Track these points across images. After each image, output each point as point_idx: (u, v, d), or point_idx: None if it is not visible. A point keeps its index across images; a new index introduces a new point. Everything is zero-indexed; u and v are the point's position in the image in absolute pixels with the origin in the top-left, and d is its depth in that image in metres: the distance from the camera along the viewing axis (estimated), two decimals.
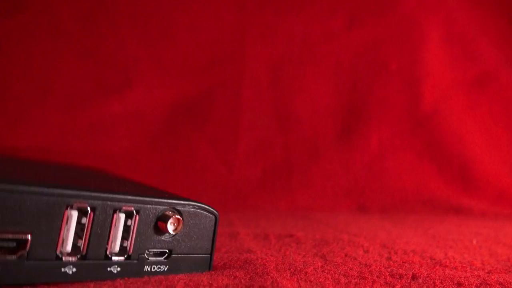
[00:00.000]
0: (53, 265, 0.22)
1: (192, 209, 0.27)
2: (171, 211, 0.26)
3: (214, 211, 0.28)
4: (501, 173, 0.95)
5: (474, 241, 0.44)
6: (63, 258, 0.22)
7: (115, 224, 0.24)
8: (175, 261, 0.26)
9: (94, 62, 0.92)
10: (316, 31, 1.01)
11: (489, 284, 0.26)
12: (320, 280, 0.26)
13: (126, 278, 0.24)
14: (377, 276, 0.27)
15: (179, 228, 0.26)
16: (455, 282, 0.26)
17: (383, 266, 0.30)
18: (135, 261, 0.25)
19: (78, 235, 0.22)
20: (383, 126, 0.97)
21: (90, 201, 0.23)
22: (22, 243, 0.21)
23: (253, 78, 0.97)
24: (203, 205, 0.27)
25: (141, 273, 0.25)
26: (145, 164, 0.88)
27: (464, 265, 0.31)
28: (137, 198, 0.24)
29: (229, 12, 0.99)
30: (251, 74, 0.97)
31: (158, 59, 0.94)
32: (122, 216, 0.24)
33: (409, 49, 1.02)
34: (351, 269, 0.29)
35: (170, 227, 0.25)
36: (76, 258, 0.22)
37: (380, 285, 0.25)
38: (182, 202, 0.26)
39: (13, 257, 0.20)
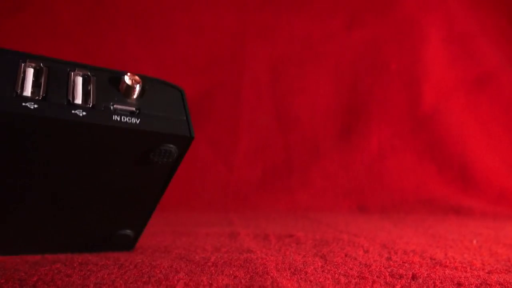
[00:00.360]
0: (14, 102, 0.24)
1: (152, 80, 0.28)
2: (132, 75, 0.27)
3: (178, 87, 0.30)
4: (501, 173, 0.95)
5: (474, 241, 0.44)
6: (22, 97, 0.24)
7: (72, 81, 0.26)
8: (146, 117, 0.27)
9: (94, 62, 0.92)
10: (316, 31, 1.01)
11: (489, 284, 0.26)
12: (320, 280, 0.26)
13: (126, 277, 0.24)
14: (377, 276, 0.27)
15: (139, 85, 0.27)
16: (455, 282, 0.26)
17: (383, 266, 0.30)
18: (101, 110, 0.26)
19: (36, 85, 0.25)
20: (383, 126, 0.97)
21: (44, 62, 0.25)
22: None
23: (253, 78, 0.97)
24: (163, 81, 0.29)
25: (109, 121, 0.25)
26: None
27: (464, 265, 0.31)
28: (91, 66, 0.27)
29: (229, 12, 0.99)
30: (251, 74, 0.97)
31: (158, 59, 0.94)
32: (79, 77, 0.26)
33: (409, 49, 1.02)
34: (351, 269, 0.29)
35: (129, 81, 0.27)
36: (36, 98, 0.24)
37: (380, 285, 0.25)
38: (140, 74, 0.28)
39: None
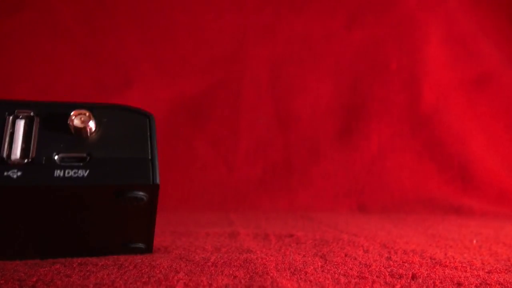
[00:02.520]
0: None
1: (109, 110, 0.24)
2: (80, 111, 0.23)
3: (145, 112, 0.25)
4: (501, 173, 0.95)
5: (474, 241, 0.44)
6: None
7: (9, 127, 0.22)
8: (98, 165, 0.22)
9: (94, 62, 0.92)
10: (316, 31, 1.01)
11: (489, 284, 0.26)
12: (320, 280, 0.26)
13: (125, 278, 0.24)
14: (377, 276, 0.27)
15: (90, 125, 0.23)
16: (455, 282, 0.26)
17: (383, 266, 0.30)
18: (41, 165, 0.22)
19: None
20: (383, 126, 0.97)
21: None
22: None
23: (253, 78, 0.97)
24: (125, 107, 0.24)
25: (50, 179, 0.22)
26: None
27: (464, 265, 0.31)
28: (35, 102, 0.23)
29: (229, 12, 0.99)
30: (251, 74, 0.97)
31: (158, 59, 0.94)
32: (19, 120, 0.22)
33: (409, 49, 1.02)
34: (351, 269, 0.28)
35: (77, 122, 0.22)
36: None
37: (380, 285, 0.25)
38: (93, 104, 0.24)
39: None
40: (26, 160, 0.22)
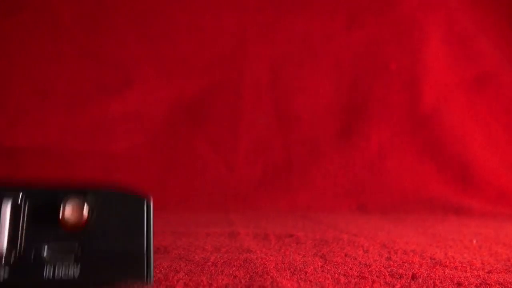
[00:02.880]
0: None
1: (105, 196, 0.22)
2: (72, 197, 0.21)
3: (142, 197, 0.23)
4: (501, 173, 0.95)
5: (474, 241, 0.44)
6: None
7: None
8: (90, 263, 0.21)
9: (94, 62, 0.92)
10: (316, 31, 1.00)
11: (489, 284, 0.26)
12: (320, 280, 0.26)
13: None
14: (377, 276, 0.27)
15: (84, 217, 0.21)
16: (455, 282, 0.26)
17: (383, 266, 0.30)
18: (31, 259, 0.20)
19: None
20: (383, 126, 0.97)
21: None
22: None
23: (253, 78, 0.97)
24: (121, 190, 0.23)
25: (39, 279, 0.20)
26: (145, 164, 0.88)
27: (464, 265, 0.31)
28: (23, 187, 0.21)
29: (229, 12, 0.98)
30: (251, 74, 0.97)
31: (158, 59, 0.94)
32: (7, 207, 0.20)
33: (409, 49, 1.01)
34: (351, 269, 0.28)
35: (70, 215, 0.21)
36: None
37: (380, 285, 0.25)
38: (87, 188, 0.22)
39: None
40: (12, 257, 0.20)
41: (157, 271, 0.27)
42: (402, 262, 0.31)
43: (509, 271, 0.30)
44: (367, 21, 1.02)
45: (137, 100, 0.91)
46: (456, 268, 0.30)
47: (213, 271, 0.28)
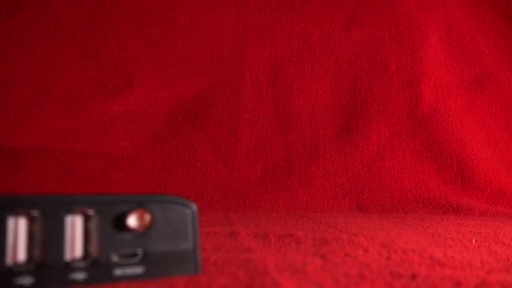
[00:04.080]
0: (5, 278, 0.20)
1: (161, 204, 0.25)
2: (135, 207, 0.24)
3: (190, 203, 0.26)
4: (500, 173, 0.95)
5: (473, 241, 0.44)
6: (15, 269, 0.21)
7: (70, 228, 0.22)
8: (152, 262, 0.24)
9: (94, 62, 0.92)
10: (316, 31, 1.01)
11: (488, 284, 0.26)
12: (320, 280, 0.26)
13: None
14: (376, 276, 0.27)
15: (147, 223, 0.24)
16: (455, 281, 0.26)
17: (382, 266, 0.30)
18: (103, 266, 0.23)
19: (31, 243, 0.21)
20: (383, 126, 0.97)
21: (37, 206, 0.22)
22: None
23: (253, 78, 0.97)
24: (174, 198, 0.26)
25: (112, 277, 0.23)
26: (145, 164, 0.88)
27: (463, 265, 0.31)
28: (92, 198, 0.23)
29: (229, 12, 0.99)
30: (251, 74, 0.97)
31: (158, 59, 0.94)
32: (78, 218, 0.23)
33: (409, 49, 1.02)
34: (350, 269, 0.29)
35: (136, 223, 0.24)
36: (32, 268, 0.21)
37: (380, 284, 0.25)
38: (147, 198, 0.25)
39: None
40: (87, 262, 0.23)
41: None
42: (401, 262, 0.31)
43: (509, 270, 0.30)
44: (367, 21, 1.02)
45: (137, 100, 0.91)
46: (455, 267, 0.30)
47: (213, 271, 0.28)
